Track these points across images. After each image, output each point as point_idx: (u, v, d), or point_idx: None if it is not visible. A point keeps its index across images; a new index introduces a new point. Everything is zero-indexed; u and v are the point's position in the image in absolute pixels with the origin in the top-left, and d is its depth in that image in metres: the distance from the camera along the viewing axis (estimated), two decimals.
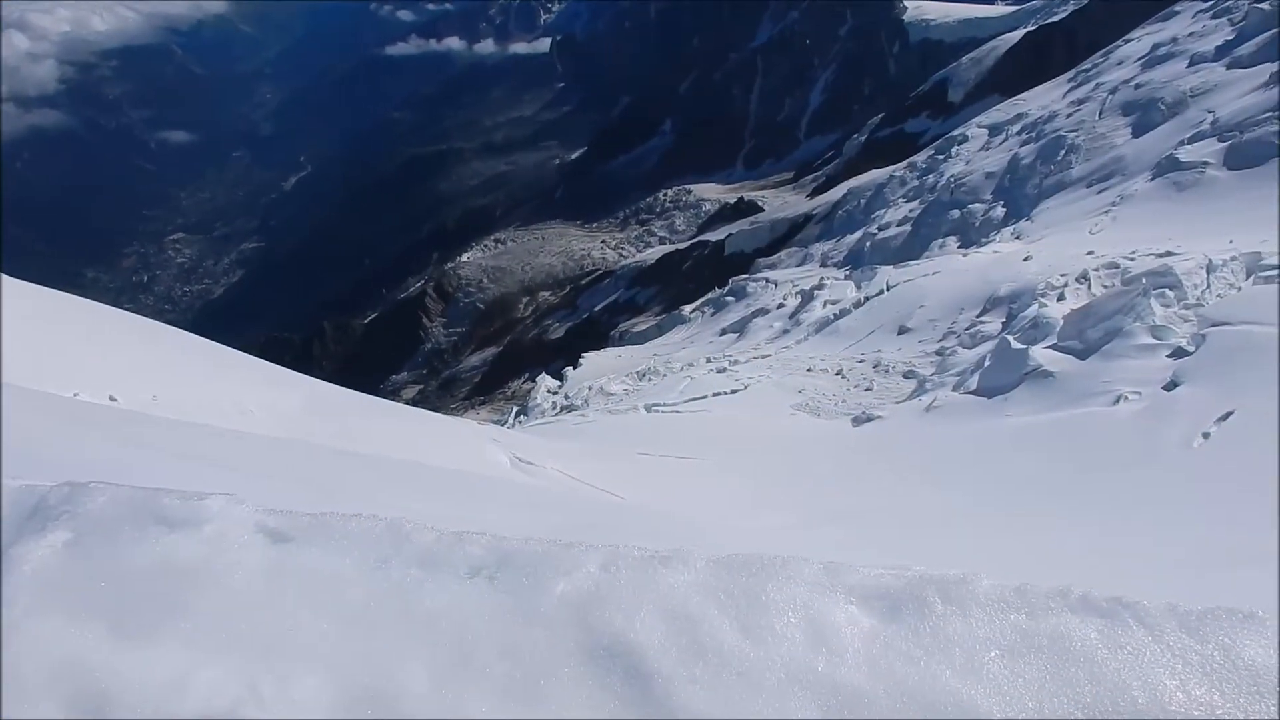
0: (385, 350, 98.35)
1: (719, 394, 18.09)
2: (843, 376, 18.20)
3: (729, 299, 34.46)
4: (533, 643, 1.50)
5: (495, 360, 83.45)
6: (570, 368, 28.51)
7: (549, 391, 25.15)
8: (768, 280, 34.34)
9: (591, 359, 29.64)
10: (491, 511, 5.13)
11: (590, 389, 22.48)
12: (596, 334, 62.21)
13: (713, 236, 76.42)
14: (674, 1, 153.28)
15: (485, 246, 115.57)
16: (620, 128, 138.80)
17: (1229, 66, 27.93)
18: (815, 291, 26.88)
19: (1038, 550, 5.43)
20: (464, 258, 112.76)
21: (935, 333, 18.90)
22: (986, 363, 14.53)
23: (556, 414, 21.77)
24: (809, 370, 19.12)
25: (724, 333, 29.53)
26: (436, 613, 1.56)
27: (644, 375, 22.61)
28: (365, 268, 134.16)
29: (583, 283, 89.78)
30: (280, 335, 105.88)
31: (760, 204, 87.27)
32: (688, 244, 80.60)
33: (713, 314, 34.45)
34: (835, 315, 23.51)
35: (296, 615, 1.52)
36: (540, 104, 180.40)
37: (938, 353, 17.45)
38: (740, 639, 1.50)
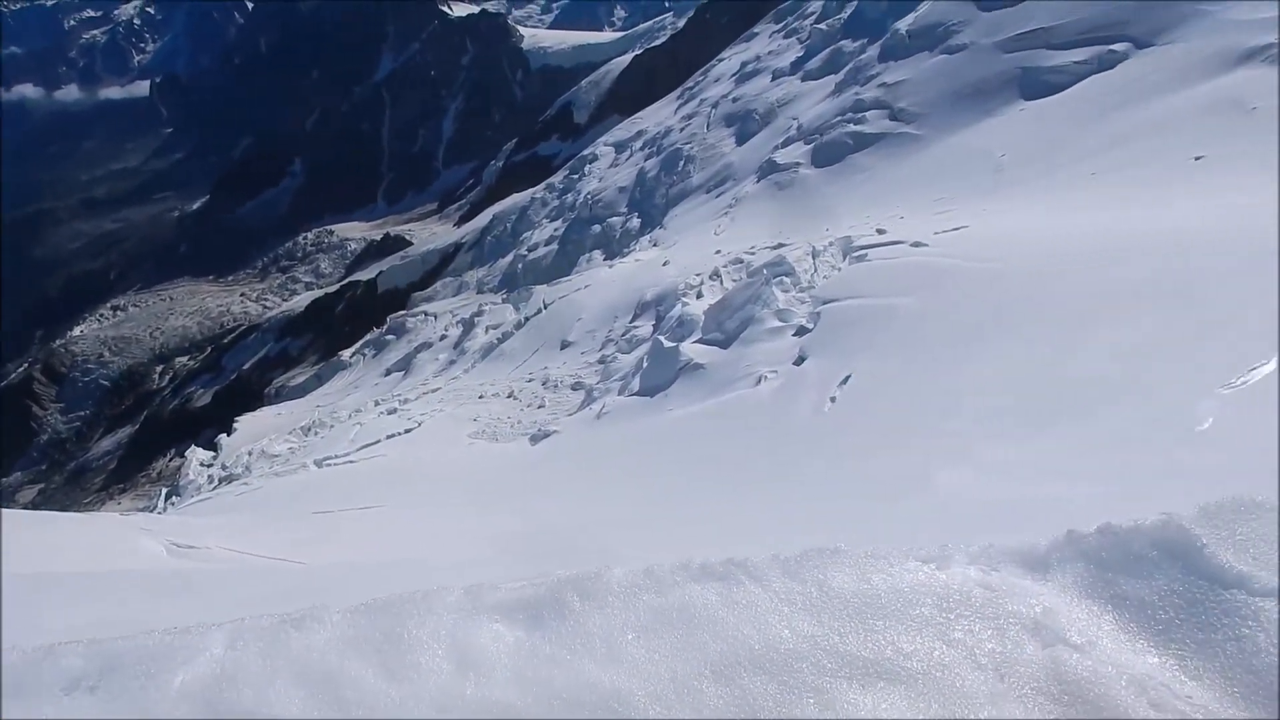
0: None
1: (393, 435, 17.45)
2: (515, 398, 18.35)
3: (390, 337, 33.48)
4: None
5: (132, 441, 74.10)
6: (224, 435, 26.02)
7: (202, 465, 22.77)
8: (427, 313, 33.85)
9: (247, 421, 27.29)
10: (143, 609, 4.49)
11: (250, 454, 20.69)
12: (249, 394, 57.44)
13: (363, 276, 73.85)
14: (285, 35, 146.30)
15: (102, 316, 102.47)
16: (244, 171, 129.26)
17: (803, 79, 32.12)
18: (476, 319, 26.91)
19: (695, 526, 5.83)
20: (76, 331, 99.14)
21: (595, 343, 19.68)
22: (644, 364, 15.33)
23: (215, 488, 19.76)
24: (481, 397, 19.07)
25: (389, 372, 28.62)
26: None
27: (309, 430, 21.24)
28: None
29: (225, 341, 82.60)
30: None
31: (408, 238, 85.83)
32: (337, 286, 77.20)
33: (375, 355, 33.26)
34: (499, 339, 23.69)
35: None
36: (147, 152, 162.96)
37: (600, 361, 18.16)
38: (385, 684, 1.40)
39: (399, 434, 17.44)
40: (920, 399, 8.71)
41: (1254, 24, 16.59)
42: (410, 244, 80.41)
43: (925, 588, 1.65)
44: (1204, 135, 14.31)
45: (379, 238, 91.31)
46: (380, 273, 68.44)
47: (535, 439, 14.93)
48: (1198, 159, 13.53)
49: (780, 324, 13.48)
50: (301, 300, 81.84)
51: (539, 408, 17.10)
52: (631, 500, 7.99)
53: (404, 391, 23.13)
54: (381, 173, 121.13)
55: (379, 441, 17.20)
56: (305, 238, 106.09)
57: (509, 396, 18.46)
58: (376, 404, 21.97)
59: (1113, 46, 19.51)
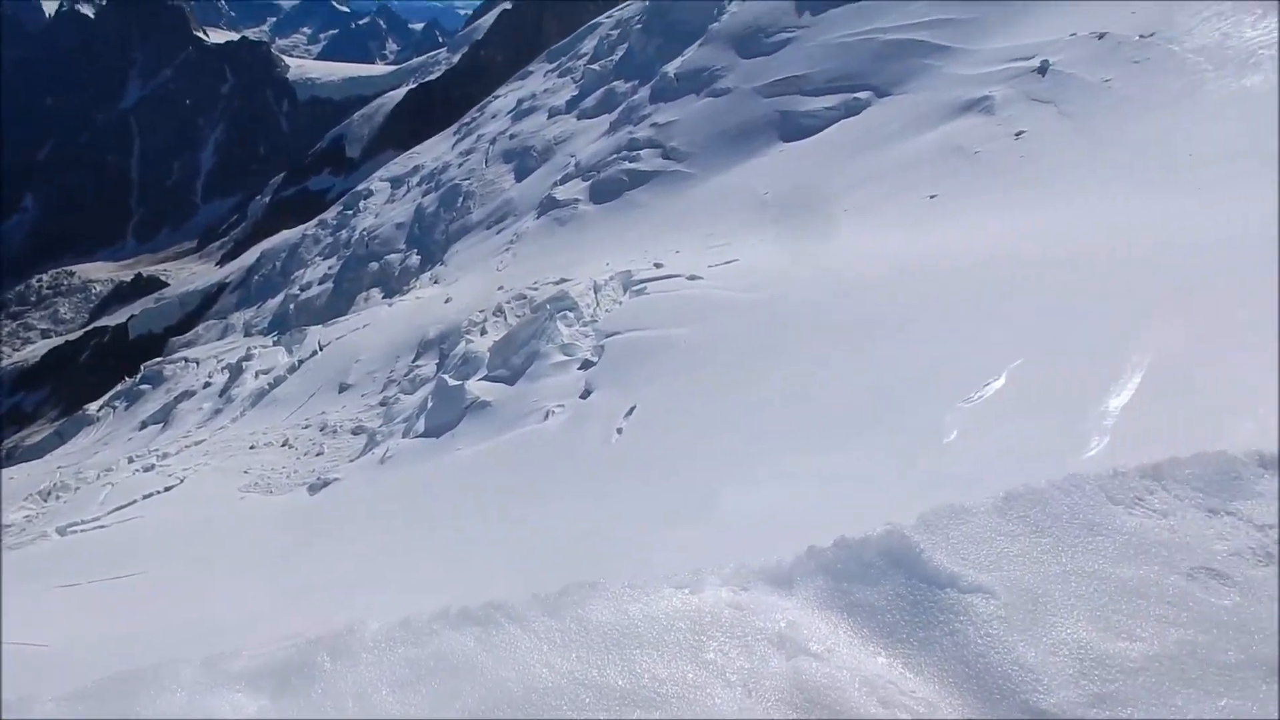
0: None
1: (151, 495, 15.95)
2: (290, 446, 17.34)
3: (144, 387, 30.72)
4: None
5: None
6: None
7: None
8: (187, 360, 31.40)
9: None
10: None
11: None
12: None
13: (111, 321, 67.55)
14: (12, 57, 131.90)
15: None
16: None
17: (579, 117, 32.86)
18: (244, 363, 25.24)
19: (469, 569, 5.75)
20: None
21: (376, 384, 19.00)
22: (429, 404, 14.97)
23: None
24: (252, 447, 17.86)
25: (145, 426, 26.21)
26: None
27: (49, 494, 18.99)
28: None
29: None
30: None
31: (164, 278, 79.45)
32: (80, 333, 70.14)
33: (127, 407, 30.37)
34: (271, 384, 22.33)
35: None
36: None
37: (381, 403, 17.55)
38: None
39: (158, 493, 15.98)
40: (701, 426, 9.07)
41: (973, 78, 18.72)
42: (166, 285, 74.54)
43: (680, 613, 1.73)
44: (937, 176, 15.94)
45: (129, 279, 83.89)
46: (132, 317, 62.98)
47: (314, 489, 14.15)
48: (933, 197, 15.05)
49: (565, 358, 13.62)
50: (38, 349, 73.67)
51: (317, 455, 16.25)
52: (408, 547, 7.76)
53: (163, 446, 21.25)
54: (131, 208, 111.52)
55: (135, 502, 15.67)
56: (40, 280, 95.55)
57: (284, 445, 17.42)
58: (131, 461, 20.02)
59: (857, 94, 21.38)
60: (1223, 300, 6.13)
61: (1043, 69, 17.23)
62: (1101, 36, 17.15)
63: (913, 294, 9.72)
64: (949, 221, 13.61)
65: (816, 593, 1.86)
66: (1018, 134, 15.77)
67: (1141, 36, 16.40)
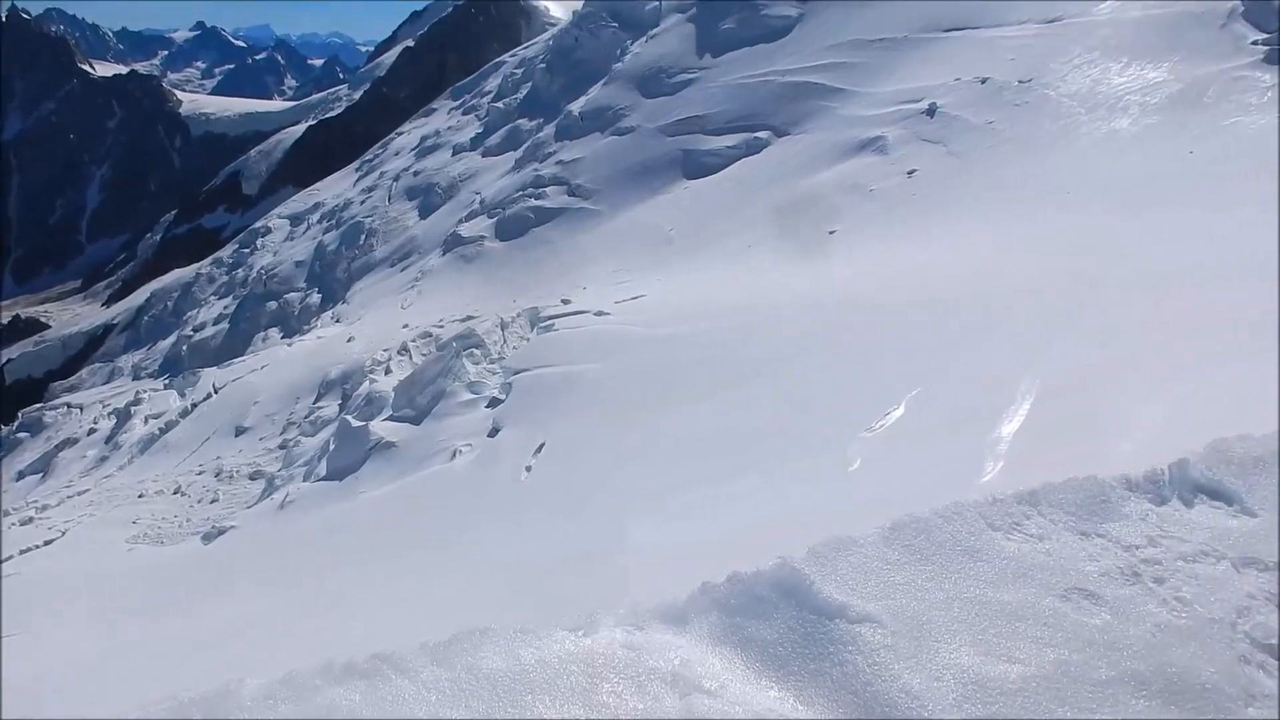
0: None
1: (29, 550, 15.04)
2: (183, 494, 16.61)
3: (21, 435, 29.01)
4: None
5: None
6: None
7: None
8: (70, 405, 29.82)
9: None
10: None
11: None
12: None
13: None
14: None
15: None
16: None
17: (484, 155, 32.80)
18: (133, 408, 24.12)
19: (361, 619, 5.60)
20: None
21: (275, 427, 18.41)
22: (331, 446, 14.59)
23: None
24: (142, 496, 17.04)
25: (22, 476, 24.70)
26: None
27: None
28: None
29: None
30: None
31: (45, 320, 75.52)
32: None
33: (3, 457, 28.63)
34: (161, 430, 21.38)
35: None
36: None
37: (281, 446, 17.01)
38: None
39: (36, 547, 15.08)
40: (609, 461, 9.08)
41: (867, 119, 19.47)
42: (48, 326, 70.86)
43: (573, 656, 1.73)
44: (835, 212, 16.46)
45: (7, 321, 79.37)
46: (9, 361, 59.58)
47: (208, 537, 13.58)
48: (832, 232, 15.53)
49: (473, 396, 13.48)
50: None
51: (212, 502, 15.62)
52: (301, 597, 7.50)
53: (42, 497, 20.07)
54: (9, 246, 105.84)
55: (10, 558, 14.74)
56: None
57: (176, 493, 16.68)
58: (6, 514, 18.85)
59: (757, 134, 21.97)
60: (1105, 326, 6.48)
61: (931, 111, 18.04)
62: (984, 81, 18.09)
63: (816, 326, 9.98)
64: (848, 256, 14.06)
65: (710, 629, 1.89)
66: (910, 172, 16.43)
67: (1020, 81, 17.35)
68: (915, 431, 5.91)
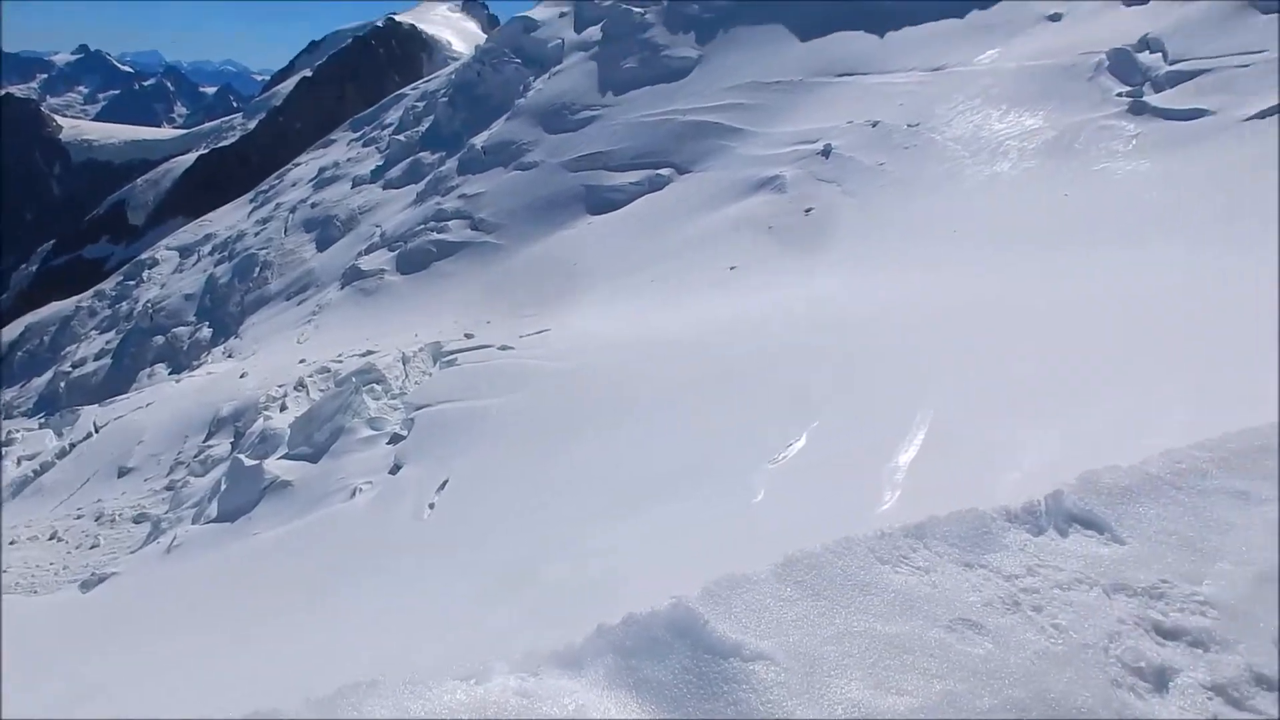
0: None
1: None
2: (60, 539, 15.67)
3: None
4: None
5: None
6: None
7: None
8: None
9: None
10: None
11: None
12: None
13: None
14: None
15: None
16: None
17: (385, 187, 32.35)
18: (3, 449, 22.70)
19: (244, 676, 5.39)
20: None
21: (162, 467, 17.59)
22: (223, 486, 14.02)
23: None
24: (12, 543, 15.98)
25: None
26: None
27: None
28: None
29: None
30: None
31: None
32: None
33: None
34: (36, 471, 20.15)
35: None
36: None
37: (168, 487, 16.25)
38: None
39: None
40: (513, 498, 8.98)
41: (765, 159, 20.04)
42: None
43: (464, 706, 1.70)
44: (736, 248, 16.83)
45: None
46: None
47: (87, 585, 12.82)
48: (732, 269, 15.86)
49: (373, 432, 13.17)
50: None
51: (92, 548, 14.78)
52: (181, 650, 7.15)
53: None
54: None
55: None
56: None
57: (52, 539, 15.72)
58: None
59: (659, 171, 22.33)
60: (991, 359, 6.79)
61: (826, 152, 18.68)
62: (875, 124, 18.86)
63: (719, 359, 10.14)
64: (748, 291, 14.37)
65: (605, 672, 1.89)
66: (807, 210, 16.96)
67: (909, 125, 18.16)
68: (817, 462, 6.04)
